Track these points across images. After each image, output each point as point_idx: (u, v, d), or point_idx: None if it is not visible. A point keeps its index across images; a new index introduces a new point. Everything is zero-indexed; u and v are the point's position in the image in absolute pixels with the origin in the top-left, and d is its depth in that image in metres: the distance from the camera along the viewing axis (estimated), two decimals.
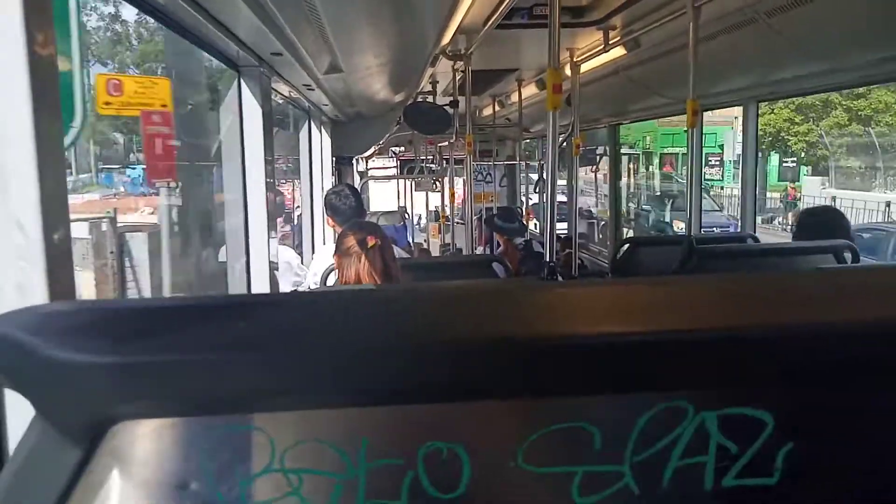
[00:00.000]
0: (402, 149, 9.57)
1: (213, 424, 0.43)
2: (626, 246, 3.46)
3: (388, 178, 9.90)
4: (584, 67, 3.99)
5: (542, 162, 7.36)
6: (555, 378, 0.43)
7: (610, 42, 3.49)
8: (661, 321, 0.44)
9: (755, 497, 0.46)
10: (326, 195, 2.96)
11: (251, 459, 0.44)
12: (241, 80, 2.24)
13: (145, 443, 0.43)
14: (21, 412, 0.80)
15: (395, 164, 9.94)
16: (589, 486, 0.45)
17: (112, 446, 0.42)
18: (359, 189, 4.62)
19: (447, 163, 6.46)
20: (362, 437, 0.44)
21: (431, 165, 8.26)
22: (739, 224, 3.82)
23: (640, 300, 0.46)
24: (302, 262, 3.53)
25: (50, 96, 0.79)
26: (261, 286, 2.33)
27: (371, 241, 1.73)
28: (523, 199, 7.35)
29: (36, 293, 0.77)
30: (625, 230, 6.87)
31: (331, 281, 2.29)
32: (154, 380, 0.40)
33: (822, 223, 2.78)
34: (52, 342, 0.39)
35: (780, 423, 0.44)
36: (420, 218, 9.58)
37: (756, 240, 3.44)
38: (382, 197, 10.37)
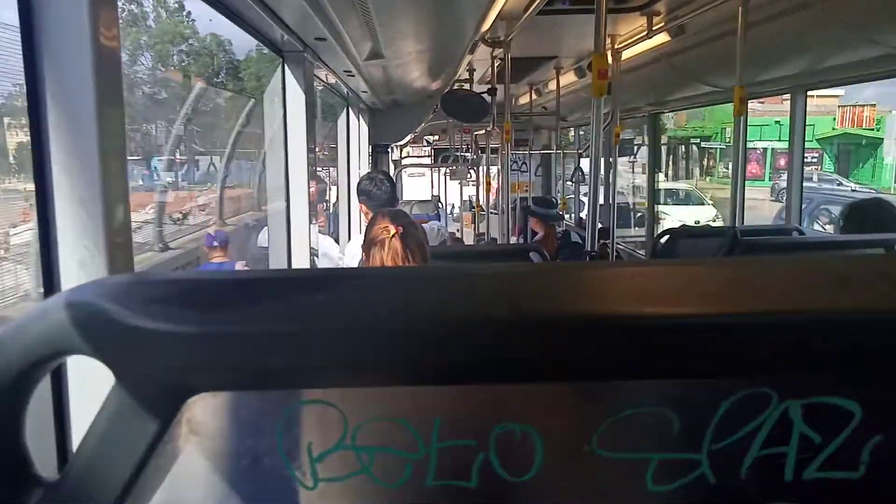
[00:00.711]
0: (437, 137, 9.56)
1: (287, 399, 0.43)
2: (666, 237, 3.40)
3: (423, 166, 9.90)
4: (626, 55, 3.92)
5: (579, 151, 7.28)
6: (633, 361, 0.42)
7: (654, 28, 3.42)
8: (746, 303, 0.42)
9: (838, 490, 0.44)
10: (360, 182, 2.96)
11: (324, 436, 0.44)
12: (285, 66, 2.25)
13: (220, 415, 0.43)
14: (84, 383, 0.82)
15: (429, 153, 9.94)
16: (664, 473, 0.44)
17: (189, 417, 0.43)
18: (393, 178, 4.63)
19: (482, 152, 6.43)
20: (435, 416, 0.43)
21: (466, 154, 8.23)
22: (784, 215, 3.72)
23: (722, 281, 0.44)
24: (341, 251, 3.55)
25: (113, 83, 0.81)
26: None
27: (392, 230, 1.69)
28: (559, 188, 7.28)
29: (98, 269, 0.79)
30: None
31: None
32: (233, 351, 0.40)
33: (870, 216, 2.69)
34: (134, 311, 0.39)
35: (868, 415, 0.42)
36: (454, 207, 9.57)
37: (801, 233, 3.35)
38: (417, 185, 10.39)
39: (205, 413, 0.43)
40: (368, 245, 1.77)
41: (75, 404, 0.83)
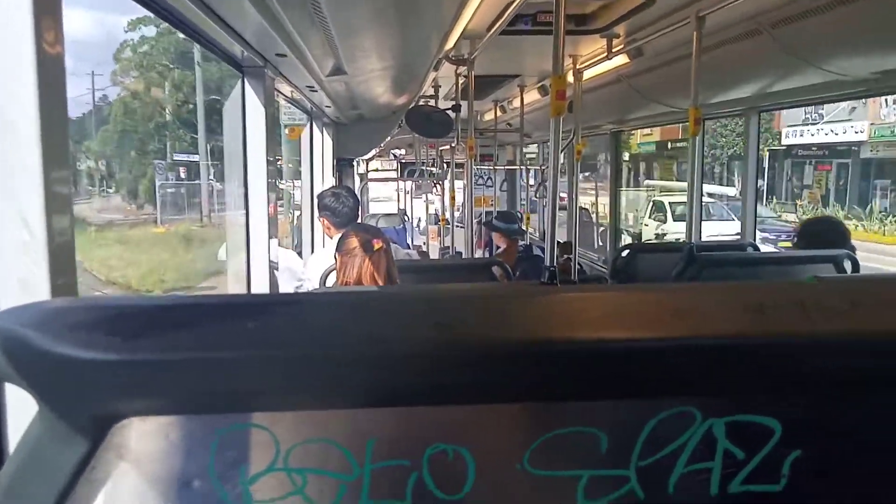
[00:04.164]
0: (403, 151, 9.58)
1: (218, 423, 0.43)
2: (626, 252, 3.47)
3: (389, 180, 9.90)
4: (587, 74, 4.00)
5: (542, 167, 7.38)
6: (563, 382, 0.43)
7: (613, 50, 3.50)
8: (669, 327, 0.44)
9: (761, 503, 0.46)
10: (321, 196, 2.93)
11: (255, 458, 0.44)
12: (245, 81, 2.24)
13: (149, 440, 0.43)
14: (22, 408, 0.79)
15: (395, 167, 9.95)
16: (594, 489, 0.45)
17: (116, 443, 0.42)
18: (359, 191, 4.61)
19: (448, 166, 6.47)
20: (368, 437, 0.44)
21: (432, 169, 8.26)
22: (740, 231, 3.82)
23: (650, 306, 0.46)
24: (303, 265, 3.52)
25: (57, 96, 0.79)
26: (260, 287, 2.33)
27: (377, 244, 1.75)
28: (523, 203, 7.36)
29: (39, 289, 0.77)
30: None
31: (329, 282, 2.29)
32: (159, 377, 0.40)
33: (822, 232, 2.80)
34: (58, 338, 0.39)
35: (787, 431, 0.44)
36: (419, 221, 9.58)
37: (756, 248, 3.45)
38: (383, 199, 10.38)
39: (134, 438, 0.42)
40: (343, 258, 1.79)
41: (14, 432, 0.80)
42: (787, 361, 0.43)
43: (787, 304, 0.45)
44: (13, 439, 0.81)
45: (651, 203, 15.74)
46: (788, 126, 17.15)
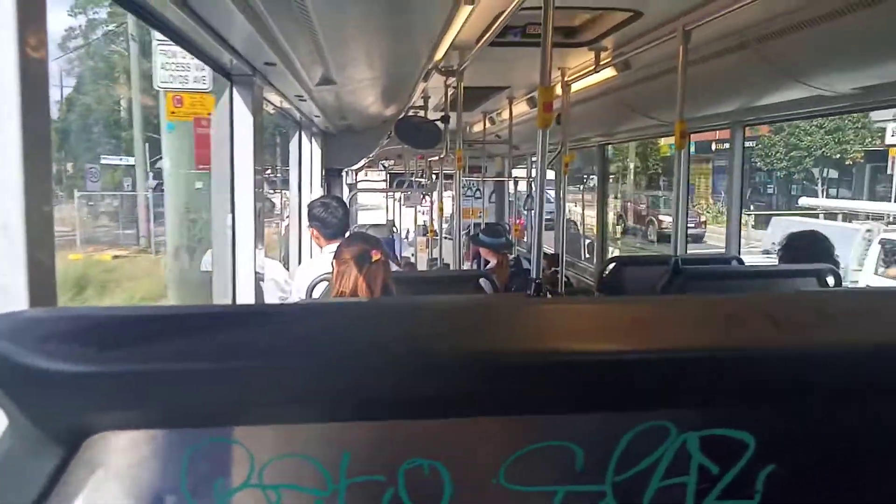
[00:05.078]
0: (392, 162, 9.59)
1: (192, 437, 0.43)
2: (612, 265, 3.48)
3: (378, 191, 9.90)
4: (575, 87, 4.03)
5: (530, 179, 7.41)
6: (538, 396, 0.43)
7: (601, 63, 3.53)
8: (645, 340, 0.44)
9: None
10: (310, 206, 2.92)
11: (230, 474, 0.43)
12: (233, 90, 2.24)
13: (122, 454, 0.43)
14: None
15: (384, 178, 9.95)
16: None
17: (88, 457, 0.41)
18: (348, 202, 4.60)
19: (436, 177, 6.48)
20: (343, 452, 0.43)
21: (421, 180, 8.28)
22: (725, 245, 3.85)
23: (624, 319, 0.46)
24: (289, 276, 3.50)
25: (40, 102, 0.79)
26: (246, 297, 2.32)
27: (375, 256, 1.75)
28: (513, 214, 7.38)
29: (17, 297, 0.76)
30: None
31: (317, 293, 2.28)
32: (133, 389, 0.39)
33: (806, 247, 2.83)
34: (30, 349, 0.38)
35: (761, 445, 0.45)
36: (408, 232, 9.58)
37: (741, 262, 3.47)
38: (371, 207, 10.37)
39: (106, 452, 0.42)
40: (339, 267, 1.78)
41: None
42: (758, 374, 0.43)
43: (758, 316, 0.46)
44: None
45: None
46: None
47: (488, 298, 2.44)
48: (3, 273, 0.76)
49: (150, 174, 16.04)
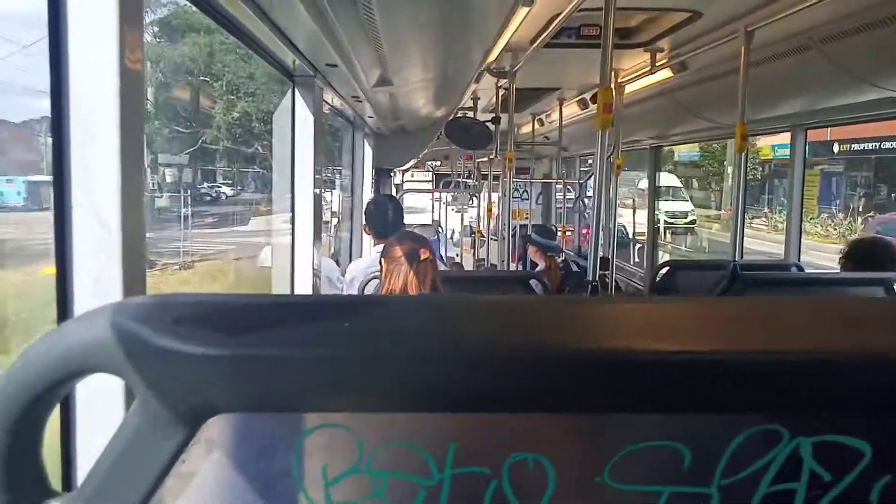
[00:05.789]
0: (439, 163, 9.64)
1: (304, 421, 0.44)
2: (665, 269, 3.42)
3: (424, 191, 9.95)
4: (629, 88, 3.98)
5: (580, 181, 7.33)
6: (648, 395, 0.43)
7: (657, 64, 3.48)
8: (756, 341, 0.43)
9: None
10: (367, 205, 2.98)
11: (339, 459, 0.44)
12: (296, 90, 2.28)
13: (237, 436, 0.44)
14: (91, 401, 0.82)
15: (430, 178, 10.00)
16: None
17: (207, 437, 0.43)
18: None
19: (484, 178, 6.48)
20: (449, 443, 0.44)
21: (467, 181, 8.29)
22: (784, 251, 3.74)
23: (727, 318, 0.45)
24: (340, 272, 3.55)
25: (136, 103, 0.82)
26: (303, 292, 2.36)
27: (423, 254, 1.76)
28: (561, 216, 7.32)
29: (112, 286, 0.80)
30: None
31: (369, 291, 2.30)
32: (257, 374, 0.41)
33: (871, 254, 2.72)
34: (159, 331, 0.40)
35: (877, 455, 0.43)
36: (453, 232, 9.60)
37: (801, 268, 3.37)
38: (418, 210, 10.44)
39: (221, 434, 0.43)
40: (388, 265, 1.80)
41: (81, 422, 0.83)
42: (878, 381, 0.42)
43: (874, 319, 0.44)
44: (81, 435, 0.84)
45: None
46: None
47: (558, 298, 2.43)
48: (100, 264, 0.80)
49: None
